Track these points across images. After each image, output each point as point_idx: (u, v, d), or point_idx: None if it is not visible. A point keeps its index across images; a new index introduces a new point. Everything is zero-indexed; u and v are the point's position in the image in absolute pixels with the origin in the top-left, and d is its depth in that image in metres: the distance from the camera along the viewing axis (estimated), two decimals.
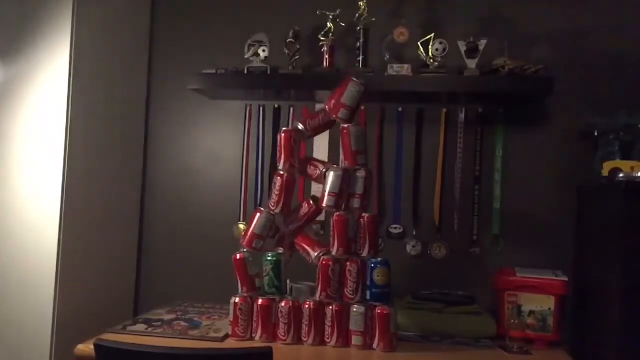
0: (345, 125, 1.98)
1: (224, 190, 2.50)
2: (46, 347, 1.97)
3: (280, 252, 2.00)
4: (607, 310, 1.87)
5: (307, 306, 1.92)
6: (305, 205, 2.08)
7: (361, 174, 1.97)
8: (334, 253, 1.93)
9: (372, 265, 1.92)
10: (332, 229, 1.94)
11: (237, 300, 1.94)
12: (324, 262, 1.91)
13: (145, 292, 2.53)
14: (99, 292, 2.23)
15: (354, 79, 1.98)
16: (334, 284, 1.91)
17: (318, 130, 2.09)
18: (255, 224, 1.98)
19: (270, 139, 2.48)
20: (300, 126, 2.05)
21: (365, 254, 1.94)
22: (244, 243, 1.99)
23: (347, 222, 1.92)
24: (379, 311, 1.89)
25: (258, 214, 1.99)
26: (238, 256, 1.96)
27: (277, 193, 1.98)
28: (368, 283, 1.93)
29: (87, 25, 2.08)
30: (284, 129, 2.03)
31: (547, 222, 2.28)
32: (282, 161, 2.00)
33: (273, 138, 2.47)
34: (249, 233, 1.99)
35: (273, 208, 1.99)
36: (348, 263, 1.92)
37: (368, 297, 1.93)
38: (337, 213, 1.93)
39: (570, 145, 2.27)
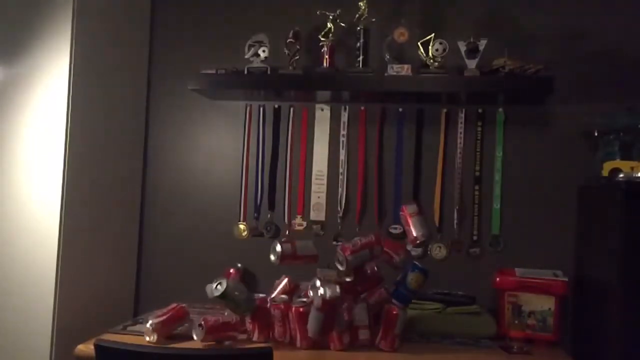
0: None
1: (224, 190, 2.50)
2: (46, 348, 1.97)
3: (221, 281, 1.88)
4: (607, 310, 1.87)
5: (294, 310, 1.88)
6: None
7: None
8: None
9: (412, 267, 1.92)
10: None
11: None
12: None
13: (145, 292, 2.53)
14: (99, 292, 2.23)
15: None
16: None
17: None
18: None
19: (270, 139, 2.48)
20: None
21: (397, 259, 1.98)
22: None
23: None
24: (388, 309, 1.88)
25: None
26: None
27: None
28: (399, 279, 1.94)
29: (87, 25, 2.08)
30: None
31: (547, 222, 2.28)
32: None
33: (273, 138, 2.48)
34: None
35: None
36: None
37: (391, 292, 1.94)
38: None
39: (570, 145, 2.27)
